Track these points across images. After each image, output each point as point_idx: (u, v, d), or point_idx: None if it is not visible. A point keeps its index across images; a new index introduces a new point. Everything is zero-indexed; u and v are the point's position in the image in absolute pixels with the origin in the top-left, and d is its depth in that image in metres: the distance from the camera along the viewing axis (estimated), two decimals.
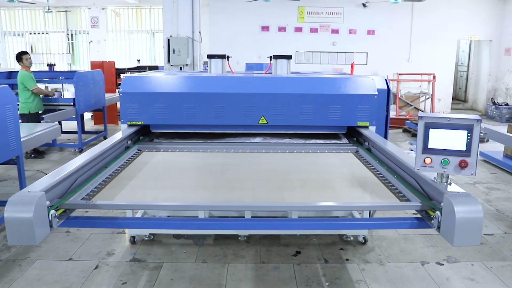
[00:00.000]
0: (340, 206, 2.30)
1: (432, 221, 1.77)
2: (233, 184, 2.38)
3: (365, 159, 2.88)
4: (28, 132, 4.03)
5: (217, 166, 2.75)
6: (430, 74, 10.95)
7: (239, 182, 2.41)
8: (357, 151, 3.10)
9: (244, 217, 3.45)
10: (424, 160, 1.78)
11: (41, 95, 6.44)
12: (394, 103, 10.48)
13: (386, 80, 3.64)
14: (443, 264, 3.36)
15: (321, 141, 3.34)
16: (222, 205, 2.14)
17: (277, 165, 2.77)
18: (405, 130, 9.26)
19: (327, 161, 2.90)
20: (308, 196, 2.24)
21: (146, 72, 4.73)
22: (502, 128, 5.75)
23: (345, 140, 3.39)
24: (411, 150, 7.36)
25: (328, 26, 11.60)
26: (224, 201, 2.16)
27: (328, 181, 2.45)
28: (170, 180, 2.47)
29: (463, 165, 1.73)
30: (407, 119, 9.51)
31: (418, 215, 1.92)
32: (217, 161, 2.85)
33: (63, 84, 8.31)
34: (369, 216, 3.63)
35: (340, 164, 2.81)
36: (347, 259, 3.42)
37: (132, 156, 2.91)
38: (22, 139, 3.72)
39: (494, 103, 11.18)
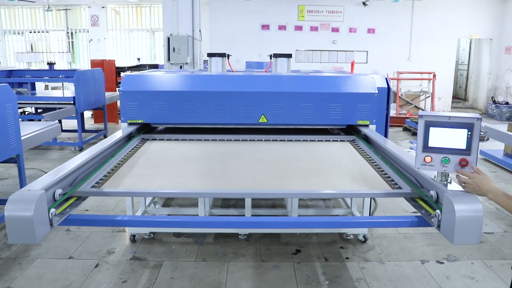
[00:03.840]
0: (334, 194, 2.38)
1: (432, 219, 1.77)
2: (233, 172, 2.44)
3: (360, 148, 2.98)
4: (29, 130, 4.04)
5: (219, 155, 2.83)
6: (430, 73, 10.94)
7: (239, 170, 2.48)
8: (353, 140, 3.20)
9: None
10: (424, 159, 1.78)
11: None
12: (394, 102, 10.47)
13: (386, 78, 3.63)
14: (443, 263, 3.36)
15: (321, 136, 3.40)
16: (224, 192, 2.20)
17: (276, 155, 2.84)
18: (405, 129, 9.25)
19: (324, 149, 2.99)
20: (305, 183, 2.29)
21: (146, 70, 4.72)
22: (502, 127, 5.76)
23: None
24: (411, 148, 7.36)
25: (328, 25, 11.58)
26: (226, 188, 2.21)
27: (324, 168, 2.52)
28: (174, 169, 2.53)
29: (463, 164, 1.72)
30: (407, 118, 9.50)
31: (418, 214, 1.92)
32: (218, 151, 2.93)
33: (63, 83, 8.31)
34: (369, 214, 3.63)
35: (338, 153, 2.90)
36: (347, 258, 3.42)
37: (136, 145, 2.98)
38: (22, 138, 3.72)
39: (494, 102, 11.17)
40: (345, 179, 2.34)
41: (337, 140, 3.24)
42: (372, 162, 2.62)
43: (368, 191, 2.19)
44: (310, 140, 3.24)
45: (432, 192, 1.84)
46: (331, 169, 2.52)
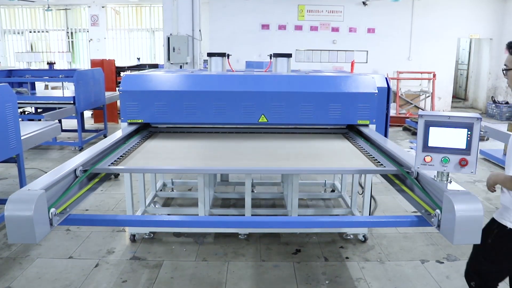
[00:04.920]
0: (323, 170, 2.60)
1: (432, 219, 1.77)
2: (234, 156, 2.67)
3: (351, 138, 3.13)
4: (28, 130, 4.04)
5: (220, 144, 2.99)
6: (430, 73, 10.94)
7: (239, 154, 2.71)
8: (346, 133, 3.36)
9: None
10: (424, 158, 1.78)
11: None
12: (394, 102, 10.47)
13: (386, 78, 3.64)
14: (443, 263, 3.36)
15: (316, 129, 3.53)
16: (226, 169, 2.41)
17: (273, 143, 3.04)
18: (405, 129, 9.25)
19: (319, 139, 3.19)
20: (299, 164, 2.54)
21: (146, 70, 4.72)
22: (502, 127, 5.76)
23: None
24: (411, 148, 7.36)
25: (328, 24, 11.58)
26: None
27: (317, 153, 2.76)
28: (180, 153, 2.74)
29: (463, 164, 1.72)
30: (407, 118, 9.51)
31: (418, 214, 1.92)
32: (220, 140, 3.11)
33: (63, 83, 8.31)
34: (369, 214, 3.63)
35: (330, 142, 3.12)
36: (347, 257, 3.42)
37: (145, 136, 3.15)
38: (22, 138, 3.72)
39: (494, 102, 11.17)
40: (335, 160, 2.60)
41: (331, 133, 3.42)
42: (361, 148, 2.82)
43: (355, 167, 2.43)
44: (306, 133, 3.40)
45: (413, 169, 2.00)
46: (323, 154, 2.75)
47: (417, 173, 2.01)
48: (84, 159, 2.12)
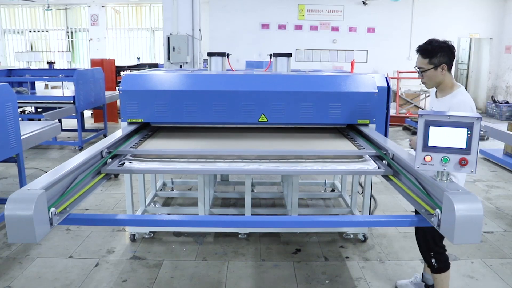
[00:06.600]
0: (313, 155, 2.61)
1: (432, 219, 1.77)
2: (237, 145, 2.92)
3: (349, 135, 3.20)
4: (28, 130, 4.04)
5: (222, 135, 3.18)
6: None
7: (240, 143, 2.96)
8: (345, 131, 3.43)
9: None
10: (424, 158, 1.78)
11: None
12: (394, 101, 10.47)
13: (386, 78, 3.64)
14: None
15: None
16: (231, 151, 2.60)
17: (272, 134, 3.24)
18: (405, 128, 9.25)
19: (314, 131, 3.35)
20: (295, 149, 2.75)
21: (146, 70, 4.72)
22: (502, 126, 5.75)
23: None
24: (411, 147, 7.35)
25: (328, 24, 11.58)
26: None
27: (312, 144, 2.95)
28: (189, 140, 3.00)
29: (463, 163, 1.72)
30: (407, 117, 9.50)
31: (418, 213, 1.92)
32: (221, 133, 3.26)
33: (63, 82, 8.31)
34: (369, 213, 3.63)
35: (324, 133, 3.30)
36: (347, 257, 3.42)
37: (152, 130, 3.29)
38: (22, 137, 3.72)
39: (494, 101, 11.17)
40: (326, 146, 2.88)
41: (330, 132, 3.49)
42: (350, 138, 3.01)
43: (340, 150, 2.68)
44: (305, 131, 3.43)
45: (390, 151, 2.28)
46: (316, 145, 2.92)
47: (393, 154, 2.26)
48: (107, 143, 2.40)
